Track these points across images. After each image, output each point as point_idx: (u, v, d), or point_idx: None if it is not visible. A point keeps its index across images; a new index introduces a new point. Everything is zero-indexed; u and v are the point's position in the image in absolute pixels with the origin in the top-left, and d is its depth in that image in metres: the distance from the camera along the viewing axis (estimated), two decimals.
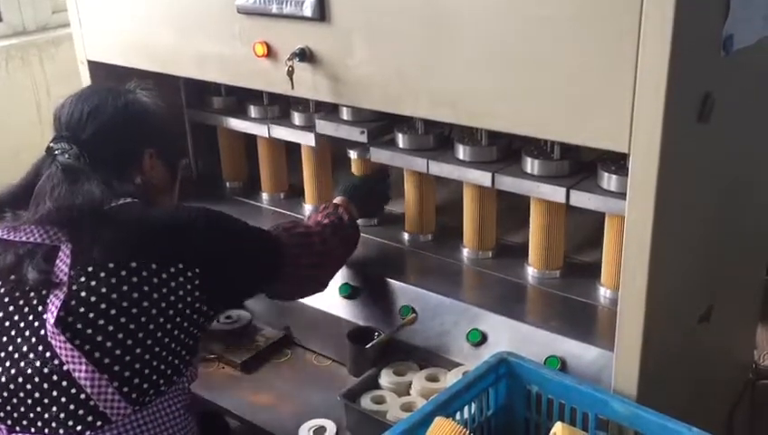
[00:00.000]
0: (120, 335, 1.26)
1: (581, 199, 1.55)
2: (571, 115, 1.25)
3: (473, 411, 1.37)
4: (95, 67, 2.04)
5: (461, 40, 1.34)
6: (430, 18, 1.37)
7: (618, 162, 1.56)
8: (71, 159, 1.35)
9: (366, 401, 1.56)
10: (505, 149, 1.74)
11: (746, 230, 1.67)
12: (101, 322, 1.25)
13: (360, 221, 1.83)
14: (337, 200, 1.79)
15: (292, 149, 2.14)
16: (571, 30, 1.21)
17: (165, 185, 1.53)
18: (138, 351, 1.27)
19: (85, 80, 2.06)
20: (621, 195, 1.51)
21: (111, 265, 1.28)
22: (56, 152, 1.37)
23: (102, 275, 1.27)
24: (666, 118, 1.14)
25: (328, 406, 1.59)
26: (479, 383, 1.38)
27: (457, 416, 1.34)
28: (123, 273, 1.28)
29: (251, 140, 2.22)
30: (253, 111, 2.13)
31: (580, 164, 1.64)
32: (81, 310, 1.26)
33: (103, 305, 1.26)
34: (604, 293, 1.64)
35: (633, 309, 1.28)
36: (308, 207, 2.14)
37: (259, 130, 2.10)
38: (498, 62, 1.31)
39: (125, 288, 1.27)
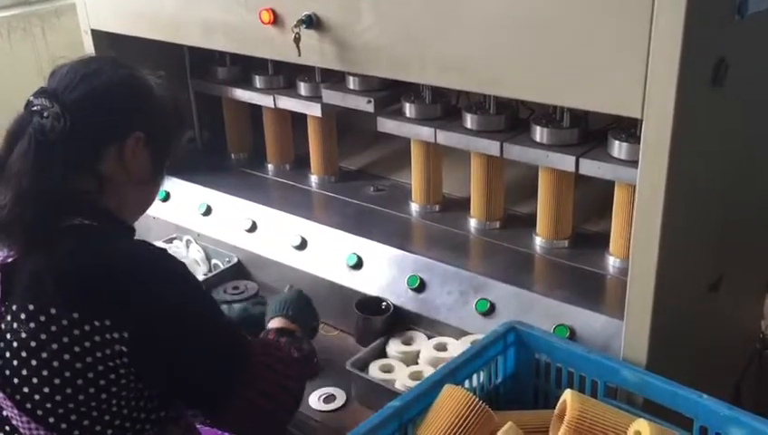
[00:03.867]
0: (47, 389, 1.12)
1: (591, 168, 1.54)
2: (584, 80, 1.23)
3: (481, 380, 1.37)
4: (99, 37, 2.03)
5: (469, 3, 1.32)
6: None
7: (628, 130, 1.54)
8: (49, 120, 1.16)
9: (374, 370, 1.56)
10: (514, 119, 1.72)
11: (758, 198, 1.65)
12: (25, 372, 1.13)
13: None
14: (284, 324, 1.44)
15: (298, 119, 2.12)
16: None
17: (141, 179, 1.27)
18: (70, 406, 1.13)
19: (89, 50, 2.04)
20: (632, 163, 1.50)
21: (32, 308, 1.12)
22: (35, 107, 1.17)
23: (23, 317, 1.13)
24: (680, 82, 1.13)
25: (337, 375, 1.59)
26: (488, 352, 1.38)
27: (466, 384, 1.33)
28: (42, 318, 1.12)
29: (256, 110, 2.21)
30: (258, 81, 2.11)
31: (590, 132, 1.63)
32: (7, 355, 1.14)
33: (24, 354, 1.13)
34: (613, 262, 1.63)
35: (643, 277, 1.27)
36: (314, 178, 2.13)
37: (264, 100, 2.09)
38: (508, 26, 1.29)
39: (43, 337, 1.11)
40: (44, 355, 1.12)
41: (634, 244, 1.27)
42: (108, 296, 1.12)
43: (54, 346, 1.11)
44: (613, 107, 1.22)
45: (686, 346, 1.47)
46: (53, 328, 1.11)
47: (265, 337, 1.38)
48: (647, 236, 1.24)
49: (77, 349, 1.11)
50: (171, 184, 2.16)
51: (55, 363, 1.11)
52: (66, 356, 1.11)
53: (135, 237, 1.28)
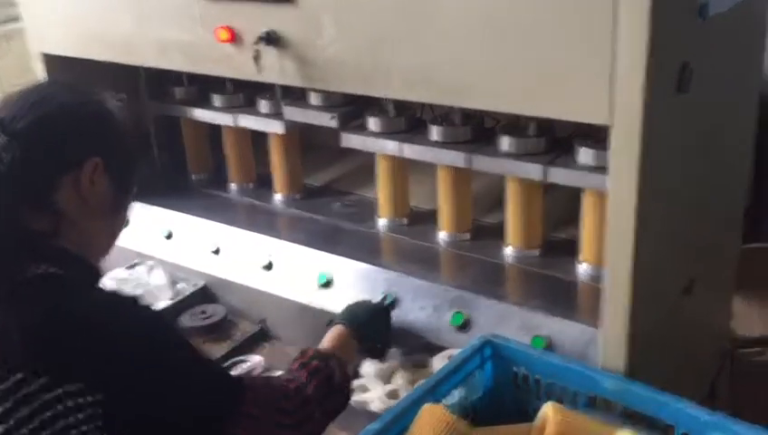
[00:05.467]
0: None
1: (559, 176, 1.53)
2: (550, 89, 1.22)
3: (460, 396, 1.34)
4: (51, 61, 1.96)
5: (434, 12, 1.30)
6: None
7: (594, 136, 1.53)
8: None
9: None
10: (480, 129, 1.71)
11: (724, 200, 1.66)
12: None
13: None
14: (335, 342, 1.41)
15: (259, 136, 2.08)
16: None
17: (102, 210, 1.18)
18: None
19: (40, 75, 1.98)
20: (599, 169, 1.49)
21: None
22: None
23: None
24: (646, 88, 1.12)
25: None
26: (465, 367, 1.35)
27: (444, 401, 1.31)
28: (8, 383, 1.03)
29: (215, 129, 2.16)
30: (217, 100, 2.07)
31: (556, 140, 1.62)
32: None
33: None
34: (585, 269, 1.63)
35: (618, 284, 1.26)
36: (278, 197, 2.10)
37: (224, 119, 2.05)
38: (472, 36, 1.27)
39: (8, 404, 1.03)
40: (12, 422, 1.03)
41: (608, 251, 1.26)
42: (79, 359, 1.04)
43: (24, 411, 1.03)
44: (580, 115, 1.22)
45: (663, 350, 1.47)
46: (20, 393, 1.02)
47: (283, 376, 1.30)
48: (620, 244, 1.23)
49: (48, 414, 1.02)
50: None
51: (24, 431, 1.03)
52: (35, 422, 1.02)
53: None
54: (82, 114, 1.18)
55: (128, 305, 1.13)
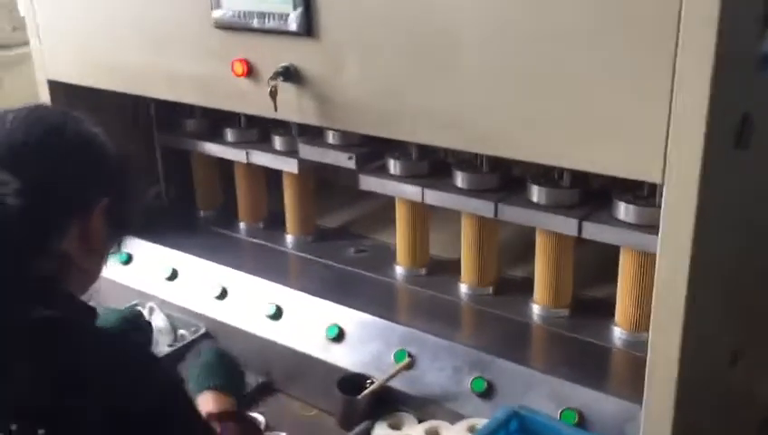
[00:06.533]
0: None
1: (596, 232, 1.42)
2: (593, 141, 1.12)
3: None
4: (56, 88, 1.88)
5: (465, 53, 1.20)
6: (428, 30, 1.22)
7: (633, 190, 1.42)
8: (9, 198, 0.98)
9: None
10: (508, 176, 1.60)
11: None
12: None
13: None
14: (220, 403, 1.31)
15: (272, 173, 1.98)
16: (594, 43, 1.08)
17: (101, 250, 1.11)
18: None
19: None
20: (639, 227, 1.39)
21: None
22: None
23: None
24: (706, 144, 1.01)
25: None
26: None
27: None
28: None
29: (226, 164, 2.06)
30: (229, 134, 1.98)
31: (591, 192, 1.50)
32: None
33: None
34: (620, 334, 1.50)
35: (666, 357, 1.14)
36: (290, 238, 1.98)
37: (237, 155, 1.95)
38: (507, 80, 1.16)
39: None
40: None
41: (655, 319, 1.13)
42: (83, 407, 0.94)
43: None
44: (630, 171, 1.10)
45: (705, 426, 1.33)
46: None
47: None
48: (669, 312, 1.11)
49: None
50: (133, 245, 1.99)
51: None
52: None
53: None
54: (89, 151, 1.09)
55: (132, 350, 1.07)
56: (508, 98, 1.17)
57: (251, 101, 1.47)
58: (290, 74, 1.38)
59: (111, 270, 1.90)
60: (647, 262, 1.40)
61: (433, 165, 1.67)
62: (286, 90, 1.40)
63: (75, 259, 1.06)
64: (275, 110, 1.41)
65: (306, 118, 1.41)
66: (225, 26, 1.47)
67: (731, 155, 1.11)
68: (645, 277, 1.41)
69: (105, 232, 1.09)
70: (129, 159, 1.15)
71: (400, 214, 1.74)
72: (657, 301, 1.12)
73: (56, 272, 1.04)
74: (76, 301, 1.08)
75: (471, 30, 1.18)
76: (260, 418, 1.58)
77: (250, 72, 1.44)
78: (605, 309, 1.55)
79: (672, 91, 1.01)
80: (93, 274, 1.15)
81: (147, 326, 1.57)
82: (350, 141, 1.72)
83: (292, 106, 1.41)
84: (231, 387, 1.36)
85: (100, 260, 1.15)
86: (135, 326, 1.55)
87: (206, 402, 1.31)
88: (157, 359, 1.10)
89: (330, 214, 2.10)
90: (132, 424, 0.97)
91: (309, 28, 1.34)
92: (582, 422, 1.31)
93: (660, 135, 1.03)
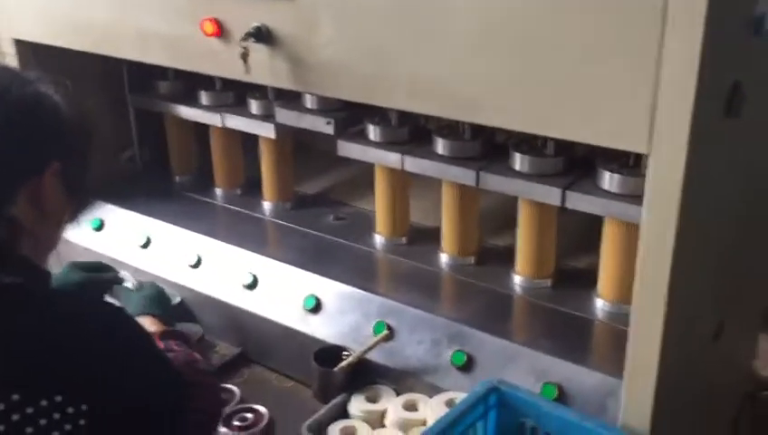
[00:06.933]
0: None
1: (579, 202, 1.38)
2: (579, 108, 1.06)
3: None
4: (24, 48, 1.80)
5: (446, 16, 1.13)
6: None
7: (619, 159, 1.37)
8: None
9: (334, 433, 1.36)
10: (490, 143, 1.55)
11: (760, 235, 1.50)
12: None
13: None
14: (161, 325, 1.46)
15: (249, 138, 1.92)
16: (580, 8, 1.01)
17: (53, 217, 1.06)
18: None
19: (12, 63, 1.81)
20: (624, 196, 1.35)
21: None
22: None
23: None
24: (694, 113, 0.96)
25: None
26: (466, 417, 1.20)
27: None
28: None
29: (202, 128, 1.99)
30: (204, 97, 1.91)
31: (575, 160, 1.46)
32: None
33: None
34: (602, 305, 1.47)
35: (648, 330, 1.10)
36: (267, 205, 1.93)
37: (211, 119, 1.88)
38: (491, 44, 1.10)
39: None
40: None
41: (638, 291, 1.09)
42: (53, 370, 0.93)
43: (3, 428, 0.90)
44: (614, 141, 1.05)
45: (687, 401, 1.31)
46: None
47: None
48: (653, 284, 1.07)
49: (29, 430, 0.90)
50: (106, 211, 1.94)
51: None
52: None
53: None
54: (39, 112, 1.03)
55: (96, 306, 1.09)
56: (493, 64, 1.11)
57: (222, 62, 1.40)
58: (262, 35, 1.31)
59: (83, 237, 1.90)
60: (631, 233, 1.36)
61: (413, 131, 1.61)
62: (259, 51, 1.33)
63: (27, 224, 1.01)
64: (247, 72, 1.34)
65: (280, 81, 1.35)
66: None
67: (721, 124, 1.06)
68: (629, 248, 1.37)
69: (60, 196, 1.05)
70: (89, 121, 1.08)
71: (380, 181, 1.69)
72: (640, 273, 1.08)
73: (6, 238, 0.99)
74: (30, 266, 1.04)
75: None
76: (234, 389, 1.55)
77: (221, 32, 1.37)
78: (588, 280, 1.52)
79: (659, 57, 0.95)
80: (51, 240, 1.10)
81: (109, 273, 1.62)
82: (329, 106, 1.66)
83: (265, 69, 1.34)
84: (168, 320, 1.50)
85: (57, 226, 1.10)
86: (96, 280, 1.58)
87: (148, 325, 1.41)
88: (114, 312, 1.08)
89: (308, 180, 2.04)
90: (94, 382, 0.95)
91: None
92: (562, 396, 1.28)
93: (646, 103, 0.98)
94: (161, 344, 1.27)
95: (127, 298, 1.56)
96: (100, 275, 1.61)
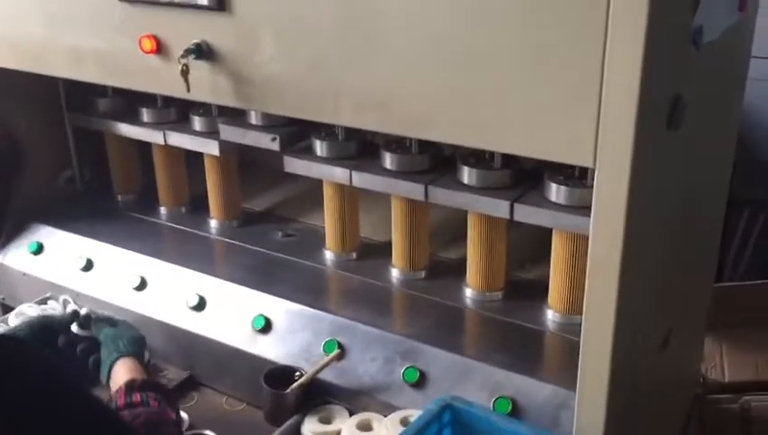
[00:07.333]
0: None
1: (527, 214, 1.38)
2: (524, 123, 1.06)
3: None
4: None
5: (387, 30, 1.12)
6: (351, 4, 1.14)
7: (565, 170, 1.38)
8: None
9: None
10: (438, 157, 1.54)
11: (702, 243, 1.53)
12: None
13: None
14: (133, 369, 1.32)
15: (193, 155, 1.88)
16: (524, 20, 1.01)
17: None
18: None
19: None
20: (572, 208, 1.35)
21: None
22: None
23: None
24: (637, 127, 0.96)
25: None
26: None
27: None
28: None
29: (144, 146, 1.94)
30: (145, 114, 1.86)
31: (523, 172, 1.46)
32: None
33: None
34: (552, 316, 1.47)
35: (599, 342, 1.10)
36: (213, 223, 1.89)
37: (153, 136, 1.83)
38: (436, 60, 1.09)
39: None
40: None
41: (588, 306, 1.09)
42: None
43: None
44: (558, 155, 1.05)
45: (639, 408, 1.32)
46: None
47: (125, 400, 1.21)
48: (602, 295, 1.07)
49: None
50: (45, 233, 1.88)
51: None
52: None
53: None
54: None
55: (17, 354, 0.99)
56: (436, 79, 1.11)
57: (162, 80, 1.36)
58: (202, 52, 1.28)
59: (20, 261, 1.82)
60: (579, 244, 1.37)
61: (361, 146, 1.60)
62: (199, 68, 1.30)
63: None
64: (188, 90, 1.31)
65: (221, 99, 1.32)
66: None
67: (662, 137, 1.07)
68: (578, 259, 1.38)
69: None
70: (14, 145, 1.02)
71: (328, 197, 1.67)
72: (590, 284, 1.08)
73: None
74: None
75: (397, 5, 1.11)
76: (183, 415, 1.50)
77: (159, 49, 1.33)
78: (539, 292, 1.52)
79: (602, 72, 0.96)
80: None
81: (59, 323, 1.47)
82: (274, 121, 1.63)
83: (206, 86, 1.31)
84: (141, 355, 1.39)
85: None
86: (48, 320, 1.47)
87: (128, 369, 1.32)
88: (54, 368, 1.01)
89: (256, 196, 2.01)
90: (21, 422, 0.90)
91: (221, 1, 1.24)
92: (516, 410, 1.28)
93: (591, 118, 0.98)
94: (137, 397, 1.21)
95: (105, 335, 1.41)
96: (53, 315, 1.52)
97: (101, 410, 1.06)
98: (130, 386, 1.24)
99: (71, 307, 1.54)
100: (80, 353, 1.40)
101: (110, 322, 1.46)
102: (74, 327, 1.43)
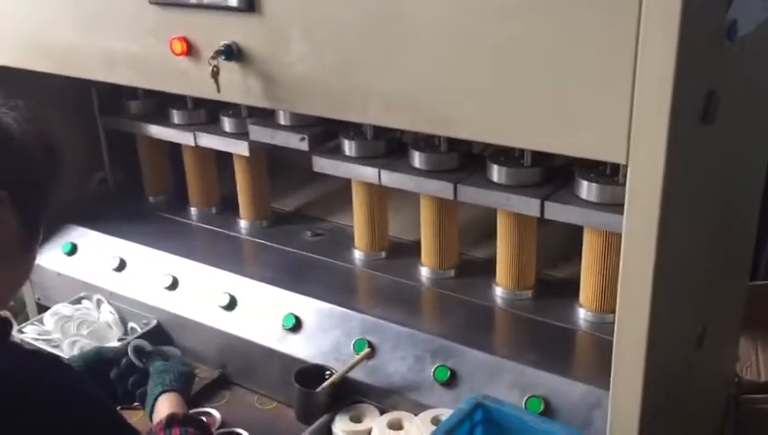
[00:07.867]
0: None
1: (558, 212, 1.36)
2: (556, 121, 1.05)
3: None
4: None
5: (417, 29, 1.12)
6: (380, 4, 1.14)
7: (596, 168, 1.37)
8: None
9: None
10: (467, 155, 1.53)
11: (737, 239, 1.50)
12: None
13: None
14: (174, 404, 1.31)
15: (223, 156, 1.89)
16: (555, 17, 1.00)
17: (9, 251, 0.97)
18: None
19: None
20: (603, 206, 1.33)
21: None
22: None
23: None
24: (671, 122, 0.95)
25: None
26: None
27: None
28: None
29: (175, 147, 1.96)
30: (176, 116, 1.88)
31: (553, 170, 1.45)
32: None
33: None
34: (584, 315, 1.46)
35: (633, 343, 1.08)
36: (243, 223, 1.90)
37: (184, 138, 1.85)
38: (466, 58, 1.09)
39: None
40: None
41: (621, 304, 1.08)
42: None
43: None
44: (591, 151, 1.04)
45: (673, 408, 1.30)
46: None
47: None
48: (636, 294, 1.06)
49: None
50: (79, 234, 1.91)
51: None
52: None
53: (11, 334, 1.01)
54: None
55: (49, 369, 0.96)
56: (466, 77, 1.10)
57: (192, 81, 1.38)
58: (232, 53, 1.29)
59: (55, 262, 1.85)
60: (611, 241, 1.36)
61: (389, 145, 1.60)
62: (229, 69, 1.31)
63: None
64: (218, 91, 1.32)
65: (251, 99, 1.32)
66: (161, 2, 1.37)
67: (697, 131, 1.05)
68: (610, 257, 1.37)
69: (15, 231, 0.96)
70: (52, 150, 1.02)
71: (357, 196, 1.67)
72: (623, 282, 1.07)
73: None
74: None
75: (425, 4, 1.11)
76: (215, 413, 1.52)
77: (190, 50, 1.35)
78: (569, 290, 1.51)
79: (635, 67, 0.95)
80: (12, 280, 1.02)
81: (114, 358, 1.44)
82: (303, 121, 1.64)
83: (236, 87, 1.32)
84: (186, 390, 1.36)
85: (22, 264, 1.02)
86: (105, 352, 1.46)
87: (171, 404, 1.30)
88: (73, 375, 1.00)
89: (285, 196, 2.02)
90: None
91: (251, 3, 1.25)
92: (548, 409, 1.27)
93: (624, 113, 0.97)
94: (177, 431, 1.19)
95: (155, 369, 1.39)
96: (111, 348, 1.50)
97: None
98: (171, 420, 1.22)
99: (133, 344, 1.51)
100: (131, 386, 1.39)
101: (163, 355, 1.44)
102: (129, 357, 1.41)
